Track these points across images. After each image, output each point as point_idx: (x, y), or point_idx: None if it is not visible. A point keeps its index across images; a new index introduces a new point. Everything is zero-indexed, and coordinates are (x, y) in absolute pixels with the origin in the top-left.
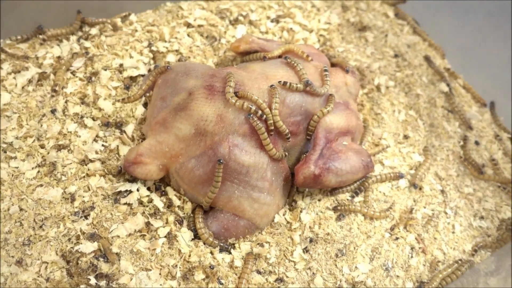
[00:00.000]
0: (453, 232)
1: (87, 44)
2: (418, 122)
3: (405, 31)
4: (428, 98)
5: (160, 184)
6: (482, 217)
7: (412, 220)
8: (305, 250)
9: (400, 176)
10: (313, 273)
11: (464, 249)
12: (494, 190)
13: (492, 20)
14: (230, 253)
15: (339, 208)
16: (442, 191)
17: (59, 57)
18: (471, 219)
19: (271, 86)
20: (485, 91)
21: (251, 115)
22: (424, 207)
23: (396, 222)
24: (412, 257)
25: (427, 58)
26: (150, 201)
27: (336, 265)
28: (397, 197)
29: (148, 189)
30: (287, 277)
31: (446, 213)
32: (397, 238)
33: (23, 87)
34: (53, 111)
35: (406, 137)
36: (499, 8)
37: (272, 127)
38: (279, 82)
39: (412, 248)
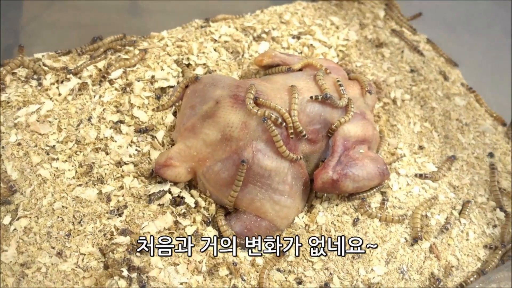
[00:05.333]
0: (467, 239)
1: (124, 56)
2: (433, 133)
3: (421, 48)
4: (443, 111)
5: (187, 187)
6: (495, 226)
7: (426, 227)
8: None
9: (453, 158)
10: (331, 273)
11: (477, 255)
12: (507, 200)
13: (507, 37)
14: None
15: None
16: (457, 200)
17: (100, 70)
18: (484, 227)
19: (291, 86)
20: (500, 106)
21: (265, 119)
22: (438, 215)
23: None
24: (426, 262)
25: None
26: (181, 200)
27: (352, 266)
28: (412, 204)
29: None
30: (305, 276)
31: (460, 221)
32: (412, 244)
33: (65, 97)
34: (89, 119)
35: (421, 147)
36: None
37: (291, 130)
38: (310, 97)
39: (426, 254)
